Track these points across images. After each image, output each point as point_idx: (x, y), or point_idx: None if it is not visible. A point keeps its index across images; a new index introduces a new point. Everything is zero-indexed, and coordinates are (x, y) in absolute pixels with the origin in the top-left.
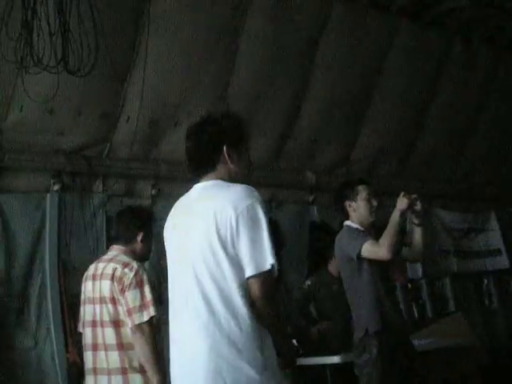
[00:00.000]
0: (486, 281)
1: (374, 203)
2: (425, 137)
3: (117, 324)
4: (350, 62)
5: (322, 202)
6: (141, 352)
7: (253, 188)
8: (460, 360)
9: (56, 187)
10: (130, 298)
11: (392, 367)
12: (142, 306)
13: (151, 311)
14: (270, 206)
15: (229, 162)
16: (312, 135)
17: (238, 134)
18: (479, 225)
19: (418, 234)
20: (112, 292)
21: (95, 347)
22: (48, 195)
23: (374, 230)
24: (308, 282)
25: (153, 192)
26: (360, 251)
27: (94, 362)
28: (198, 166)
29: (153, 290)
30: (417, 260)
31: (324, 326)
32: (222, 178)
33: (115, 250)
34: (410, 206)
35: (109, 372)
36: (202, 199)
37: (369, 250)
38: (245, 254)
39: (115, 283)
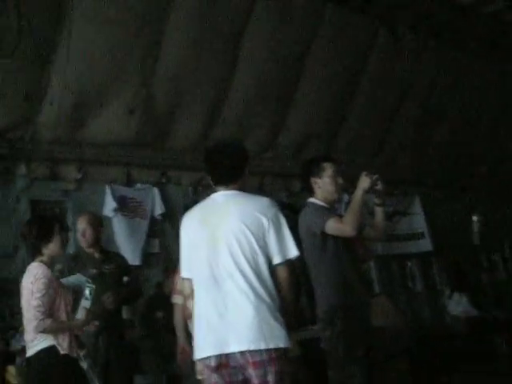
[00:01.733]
0: (409, 263)
1: (340, 181)
2: (350, 121)
3: None
4: (275, 47)
5: (251, 185)
6: None
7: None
8: (384, 341)
9: None
10: None
11: (357, 340)
12: None
13: None
14: (196, 190)
15: (246, 177)
16: (239, 120)
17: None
18: (404, 208)
19: (379, 214)
20: None
21: None
22: None
23: None
24: None
25: (78, 176)
26: (324, 228)
27: None
28: (227, 178)
29: None
30: (378, 239)
31: None
32: (240, 189)
33: None
34: (372, 186)
35: None
36: (231, 203)
37: (333, 226)
38: (274, 247)
39: None
